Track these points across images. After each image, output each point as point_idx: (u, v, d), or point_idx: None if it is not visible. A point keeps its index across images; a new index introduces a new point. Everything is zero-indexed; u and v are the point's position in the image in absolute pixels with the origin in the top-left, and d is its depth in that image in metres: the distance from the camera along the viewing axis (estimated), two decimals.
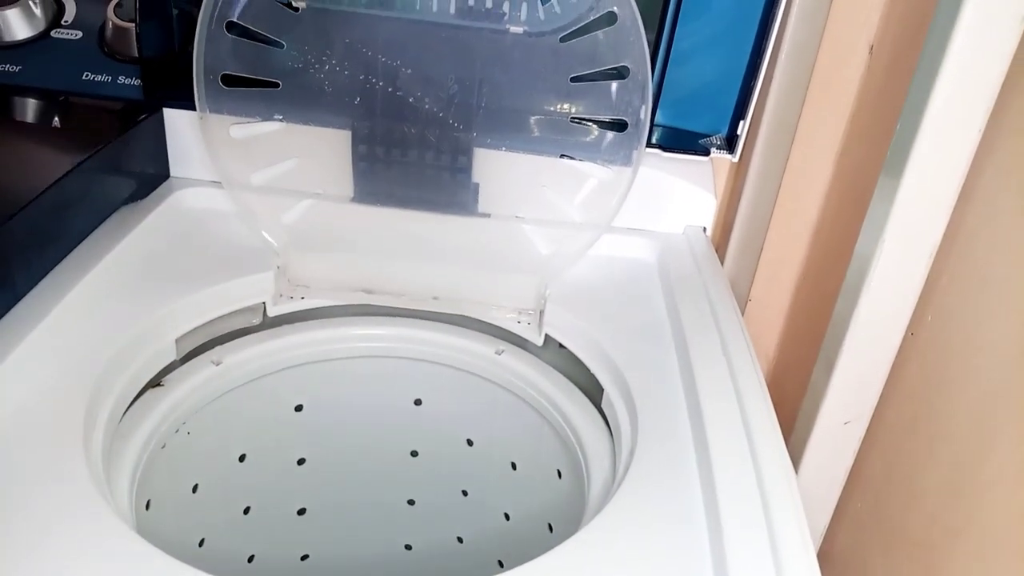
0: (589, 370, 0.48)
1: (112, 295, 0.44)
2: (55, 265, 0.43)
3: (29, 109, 0.52)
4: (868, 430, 0.47)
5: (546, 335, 0.52)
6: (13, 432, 0.36)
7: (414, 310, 0.55)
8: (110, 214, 0.48)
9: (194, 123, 0.53)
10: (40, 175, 0.44)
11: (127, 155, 0.49)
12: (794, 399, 0.56)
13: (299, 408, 0.57)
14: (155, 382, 0.46)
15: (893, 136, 0.44)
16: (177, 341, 0.47)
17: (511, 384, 0.54)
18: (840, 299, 0.46)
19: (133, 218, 0.49)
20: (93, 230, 0.46)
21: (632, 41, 0.49)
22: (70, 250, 0.44)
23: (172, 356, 0.47)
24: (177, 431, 0.48)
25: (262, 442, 0.56)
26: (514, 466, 0.58)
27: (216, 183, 0.54)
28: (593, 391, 0.50)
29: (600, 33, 0.49)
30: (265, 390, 0.54)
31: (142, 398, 0.45)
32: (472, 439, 0.60)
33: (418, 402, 0.59)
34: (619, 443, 0.44)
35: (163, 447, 0.47)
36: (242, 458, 0.55)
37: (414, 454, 0.62)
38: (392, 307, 0.54)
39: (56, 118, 0.52)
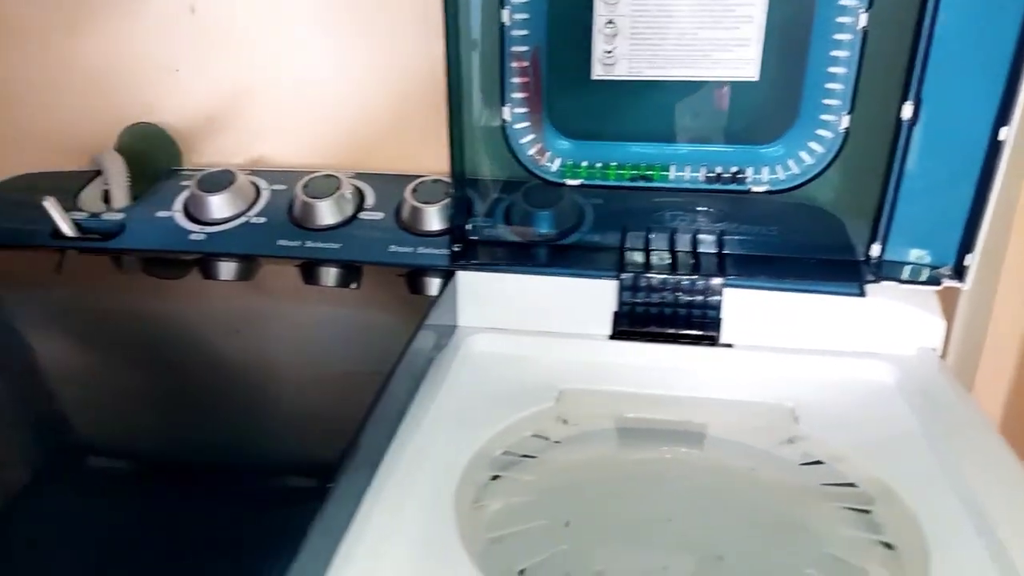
0: (853, 485, 0.53)
1: (441, 436, 0.53)
2: (402, 416, 0.53)
3: (354, 279, 0.64)
4: None
5: (801, 452, 0.57)
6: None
7: (668, 432, 0.62)
8: (431, 362, 0.58)
9: (475, 281, 0.64)
10: (387, 335, 0.55)
11: (442, 312, 0.59)
12: None
13: (567, 524, 0.64)
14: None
15: None
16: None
17: (765, 501, 0.59)
18: None
19: (444, 364, 0.59)
20: (424, 376, 0.56)
21: (869, 185, 0.57)
22: (412, 397, 0.54)
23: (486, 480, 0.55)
24: None
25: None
26: None
27: (493, 329, 0.64)
28: (856, 505, 0.54)
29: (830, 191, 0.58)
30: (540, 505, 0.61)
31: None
32: (723, 555, 0.64)
33: (669, 519, 0.65)
34: (900, 559, 0.48)
35: None
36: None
37: (664, 569, 0.66)
38: (649, 430, 0.62)
39: (371, 286, 0.63)
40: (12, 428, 0.47)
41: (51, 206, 0.69)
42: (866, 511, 0.53)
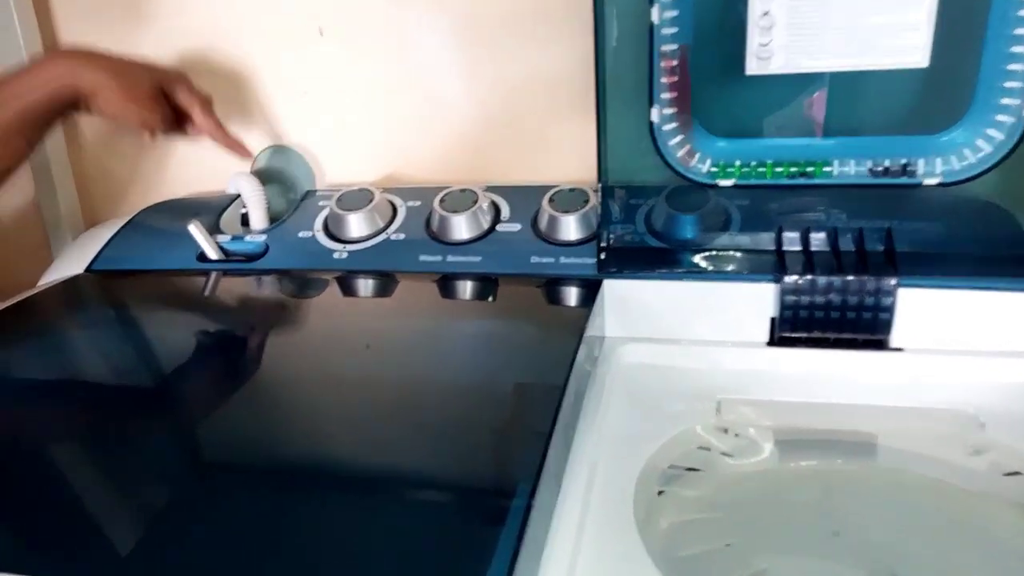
0: None
1: (609, 452, 0.51)
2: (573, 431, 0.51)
3: (501, 291, 0.63)
4: None
5: (990, 462, 0.53)
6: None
7: (835, 442, 0.58)
8: (588, 375, 0.56)
9: (621, 289, 0.62)
10: (549, 347, 0.55)
11: (594, 323, 0.58)
12: None
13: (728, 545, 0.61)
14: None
15: None
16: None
17: (952, 513, 0.55)
18: None
19: (599, 377, 0.57)
20: (589, 387, 0.55)
21: None
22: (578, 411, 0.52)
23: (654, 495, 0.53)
24: None
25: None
26: None
27: (642, 339, 0.62)
28: None
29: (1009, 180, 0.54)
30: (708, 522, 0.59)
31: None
32: (897, 573, 0.60)
33: (836, 533, 0.61)
34: None
35: None
36: None
37: None
38: (815, 440, 0.58)
39: (519, 297, 0.63)
40: (183, 448, 0.48)
41: (196, 230, 0.71)
42: None
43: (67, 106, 0.66)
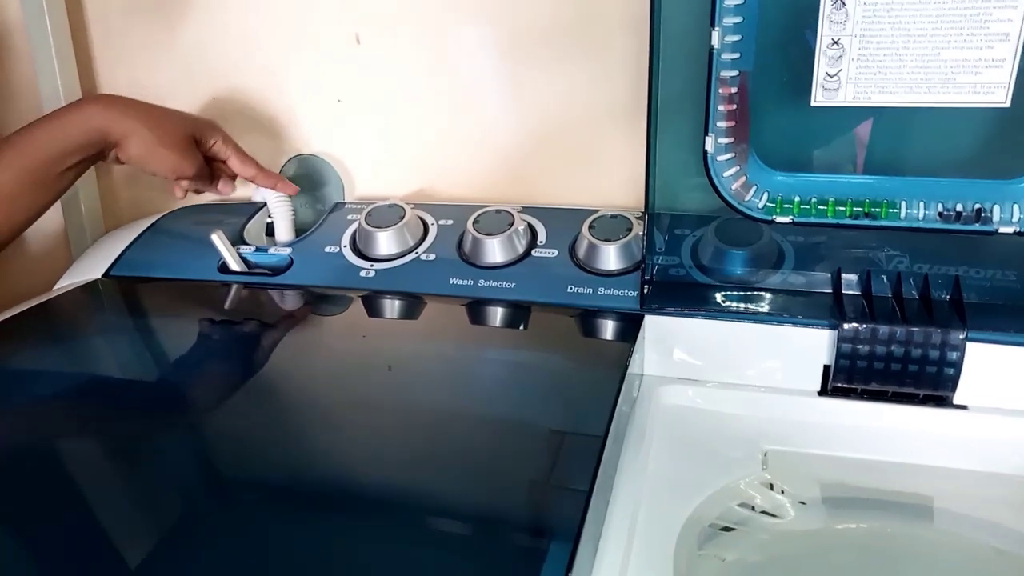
0: None
1: (648, 506, 0.48)
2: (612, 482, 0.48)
3: (535, 321, 0.59)
4: None
5: None
6: None
7: (888, 503, 0.54)
8: (627, 417, 0.53)
9: (663, 326, 0.59)
10: (587, 387, 0.51)
11: (634, 360, 0.54)
12: None
13: None
14: None
15: None
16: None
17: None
18: None
19: (638, 419, 0.54)
20: (627, 429, 0.51)
21: None
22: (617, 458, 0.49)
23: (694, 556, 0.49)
24: None
25: None
26: None
27: (683, 380, 0.59)
28: None
29: None
30: None
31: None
32: None
33: None
34: None
35: None
36: None
37: None
38: (866, 499, 0.54)
39: (555, 329, 0.59)
40: (193, 468, 0.46)
41: (219, 241, 0.68)
42: None
43: (97, 152, 0.64)
